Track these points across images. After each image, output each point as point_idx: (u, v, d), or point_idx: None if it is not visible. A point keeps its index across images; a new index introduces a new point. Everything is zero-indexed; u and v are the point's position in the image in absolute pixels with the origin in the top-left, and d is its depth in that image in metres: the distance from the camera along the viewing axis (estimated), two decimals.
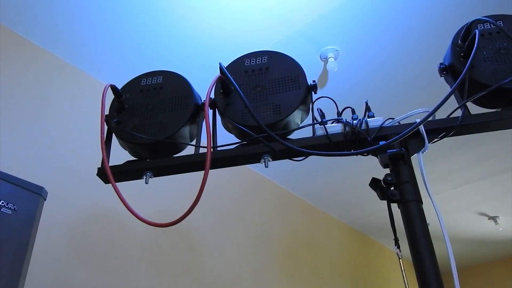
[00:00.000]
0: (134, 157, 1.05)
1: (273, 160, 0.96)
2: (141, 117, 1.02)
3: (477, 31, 0.92)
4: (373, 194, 0.87)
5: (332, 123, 0.97)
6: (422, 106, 0.98)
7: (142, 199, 2.11)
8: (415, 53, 2.18)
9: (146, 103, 1.04)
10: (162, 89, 1.06)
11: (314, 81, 1.00)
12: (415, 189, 0.83)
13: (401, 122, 0.94)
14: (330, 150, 0.93)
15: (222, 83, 1.00)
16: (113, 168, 1.00)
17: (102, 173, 1.00)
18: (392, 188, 0.85)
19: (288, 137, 0.98)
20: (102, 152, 0.93)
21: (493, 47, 0.93)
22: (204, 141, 0.95)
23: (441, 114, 0.88)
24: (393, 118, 0.95)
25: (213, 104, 1.03)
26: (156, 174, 1.02)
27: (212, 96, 1.02)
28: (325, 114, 1.01)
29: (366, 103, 1.02)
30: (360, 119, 0.95)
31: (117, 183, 0.90)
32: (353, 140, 0.92)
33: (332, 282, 3.53)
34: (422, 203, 0.83)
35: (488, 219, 4.44)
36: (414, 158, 0.88)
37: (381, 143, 0.88)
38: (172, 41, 1.98)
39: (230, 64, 1.07)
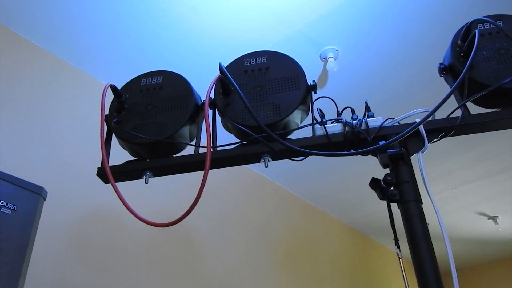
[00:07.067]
0: (134, 157, 1.05)
1: (273, 160, 0.96)
2: (141, 117, 1.02)
3: (476, 31, 0.92)
4: (373, 194, 0.87)
5: (332, 123, 0.97)
6: (422, 106, 0.98)
7: (142, 199, 2.11)
8: (414, 53, 2.18)
9: (146, 103, 1.04)
10: (162, 89, 1.06)
11: (314, 81, 1.00)
12: (415, 189, 0.83)
13: (401, 122, 0.94)
14: (330, 150, 0.93)
15: (222, 83, 1.00)
16: (113, 168, 1.00)
17: (102, 173, 1.00)
18: (392, 188, 0.85)
19: (288, 137, 0.98)
20: (102, 152, 0.93)
21: (493, 47, 0.93)
22: (204, 141, 0.95)
23: (441, 114, 0.88)
24: (393, 118, 0.95)
25: (213, 104, 1.03)
26: (156, 174, 1.01)
27: (212, 96, 1.02)
28: (325, 114, 1.01)
29: (366, 103, 1.02)
30: (360, 119, 0.94)
31: (117, 183, 0.90)
32: (353, 140, 0.92)
33: (332, 282, 3.53)
34: (422, 203, 0.83)
35: (488, 219, 4.44)
36: (414, 158, 0.88)
37: (381, 143, 0.88)
38: (172, 41, 1.98)
39: (230, 64, 1.07)
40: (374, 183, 0.89)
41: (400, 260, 0.88)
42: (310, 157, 0.95)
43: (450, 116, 0.91)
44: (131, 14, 1.84)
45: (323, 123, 0.96)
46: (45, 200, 1.13)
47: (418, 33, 2.05)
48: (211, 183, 2.55)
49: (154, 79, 1.09)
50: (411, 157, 0.88)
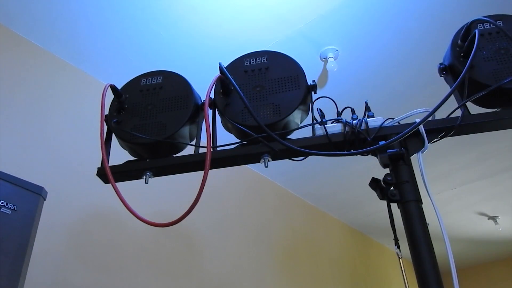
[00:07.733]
0: (134, 157, 1.05)
1: (273, 160, 0.96)
2: (141, 117, 1.02)
3: (476, 31, 0.92)
4: (373, 194, 0.87)
5: (332, 123, 0.97)
6: (422, 106, 0.98)
7: (142, 199, 2.11)
8: (415, 53, 2.18)
9: (146, 103, 1.04)
10: (162, 89, 1.06)
11: (314, 81, 1.00)
12: (415, 189, 0.83)
13: (401, 122, 0.94)
14: (330, 150, 0.93)
15: (222, 83, 1.00)
16: (113, 168, 1.00)
17: (102, 173, 1.00)
18: (392, 188, 0.85)
19: (288, 137, 0.98)
20: (102, 152, 0.93)
21: (493, 47, 0.93)
22: (204, 141, 0.95)
23: (441, 114, 0.88)
24: (393, 118, 0.95)
25: (213, 104, 1.03)
26: (156, 174, 1.01)
27: (212, 96, 1.02)
28: (324, 114, 1.01)
29: (366, 103, 1.02)
30: (360, 119, 0.94)
31: (117, 183, 0.90)
32: (353, 140, 0.92)
33: (332, 282, 3.53)
34: (422, 203, 0.83)
35: (488, 219, 4.44)
36: (414, 158, 0.88)
37: (381, 143, 0.88)
38: (172, 41, 1.98)
39: (230, 64, 1.07)
40: (374, 183, 0.89)
41: (400, 260, 0.88)
42: (310, 157, 0.95)
43: (450, 116, 0.91)
44: (131, 14, 1.84)
45: (323, 123, 0.96)
46: (45, 200, 1.13)
47: (418, 33, 2.05)
48: (211, 183, 2.55)
49: (154, 79, 1.09)
50: (411, 157, 0.88)
